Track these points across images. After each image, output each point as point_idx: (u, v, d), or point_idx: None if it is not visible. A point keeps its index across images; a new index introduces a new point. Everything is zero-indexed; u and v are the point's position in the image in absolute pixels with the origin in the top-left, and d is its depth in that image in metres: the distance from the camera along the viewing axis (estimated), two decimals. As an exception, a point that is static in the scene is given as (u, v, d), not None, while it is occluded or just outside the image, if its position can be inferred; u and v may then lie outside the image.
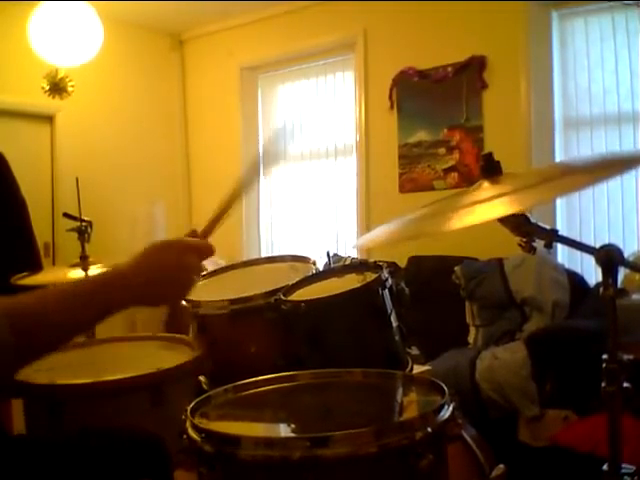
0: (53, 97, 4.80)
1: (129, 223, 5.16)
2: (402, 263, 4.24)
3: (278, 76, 5.45)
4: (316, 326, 1.57)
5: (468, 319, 3.91)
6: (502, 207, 1.13)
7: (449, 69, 4.31)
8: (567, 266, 3.87)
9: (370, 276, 1.65)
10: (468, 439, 1.55)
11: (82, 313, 1.04)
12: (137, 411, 1.49)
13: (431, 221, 1.26)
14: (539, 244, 1.20)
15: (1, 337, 0.93)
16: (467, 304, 3.91)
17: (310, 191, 5.25)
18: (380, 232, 1.36)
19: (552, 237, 1.16)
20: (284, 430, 1.21)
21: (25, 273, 2.28)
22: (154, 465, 1.27)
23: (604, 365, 1.09)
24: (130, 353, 1.84)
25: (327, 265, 2.10)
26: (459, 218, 1.14)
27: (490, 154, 1.22)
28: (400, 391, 1.30)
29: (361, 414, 1.20)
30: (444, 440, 1.06)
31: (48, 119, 4.89)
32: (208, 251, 1.19)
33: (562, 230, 1.18)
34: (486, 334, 3.76)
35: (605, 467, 1.10)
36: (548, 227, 1.17)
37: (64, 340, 1.07)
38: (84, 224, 2.33)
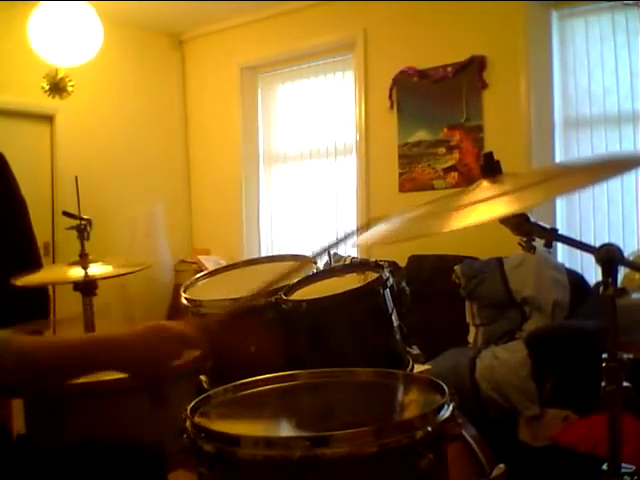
0: (53, 97, 4.79)
1: (129, 222, 5.16)
2: (402, 262, 4.24)
3: (278, 76, 5.44)
4: (317, 326, 1.57)
5: (468, 318, 3.91)
6: (502, 207, 1.13)
7: (449, 69, 4.31)
8: (567, 266, 3.86)
9: (371, 276, 1.65)
10: (468, 439, 1.54)
11: (80, 362, 1.17)
12: (137, 411, 1.49)
13: (431, 221, 1.25)
14: (539, 243, 1.20)
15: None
16: (467, 303, 3.90)
17: (310, 191, 5.24)
18: (380, 231, 1.35)
19: (552, 236, 1.16)
20: (284, 430, 1.21)
21: (25, 272, 2.28)
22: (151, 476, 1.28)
23: (604, 365, 1.09)
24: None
25: (328, 264, 2.10)
26: (459, 218, 1.14)
27: (490, 153, 1.22)
28: (400, 390, 1.30)
29: (361, 414, 1.20)
30: (444, 440, 1.06)
31: (48, 119, 4.89)
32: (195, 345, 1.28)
33: (562, 230, 1.18)
34: (486, 333, 3.76)
35: (605, 467, 1.10)
36: (548, 226, 1.17)
37: (56, 382, 1.23)
38: (83, 222, 2.33)
